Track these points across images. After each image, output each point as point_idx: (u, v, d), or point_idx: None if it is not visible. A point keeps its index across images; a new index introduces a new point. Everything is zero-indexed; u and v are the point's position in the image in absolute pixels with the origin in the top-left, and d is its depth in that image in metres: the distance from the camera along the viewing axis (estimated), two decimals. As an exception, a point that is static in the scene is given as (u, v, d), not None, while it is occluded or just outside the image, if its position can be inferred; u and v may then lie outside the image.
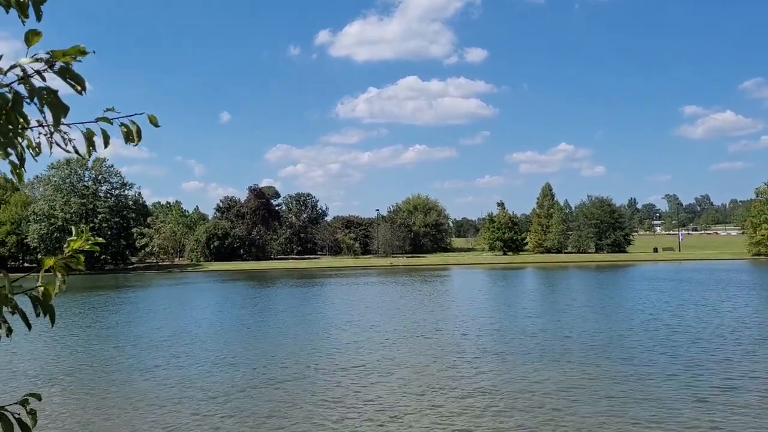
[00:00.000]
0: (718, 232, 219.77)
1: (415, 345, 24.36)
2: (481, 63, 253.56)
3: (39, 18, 1.94)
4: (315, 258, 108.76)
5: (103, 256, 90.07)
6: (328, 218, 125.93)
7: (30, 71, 1.82)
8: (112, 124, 1.98)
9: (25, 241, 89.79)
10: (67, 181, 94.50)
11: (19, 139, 1.98)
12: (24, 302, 1.95)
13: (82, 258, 2.02)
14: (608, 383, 17.28)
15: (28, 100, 1.85)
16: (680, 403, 15.20)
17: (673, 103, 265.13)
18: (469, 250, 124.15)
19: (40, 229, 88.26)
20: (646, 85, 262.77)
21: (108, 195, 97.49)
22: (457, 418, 14.53)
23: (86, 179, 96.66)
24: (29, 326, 2.05)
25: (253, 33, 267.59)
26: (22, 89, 1.83)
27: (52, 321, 2.01)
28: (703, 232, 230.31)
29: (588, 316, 31.89)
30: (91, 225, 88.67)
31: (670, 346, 22.70)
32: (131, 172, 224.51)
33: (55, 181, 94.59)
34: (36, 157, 2.04)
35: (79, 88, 1.91)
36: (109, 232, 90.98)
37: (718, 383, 17.01)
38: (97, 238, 2.06)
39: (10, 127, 1.89)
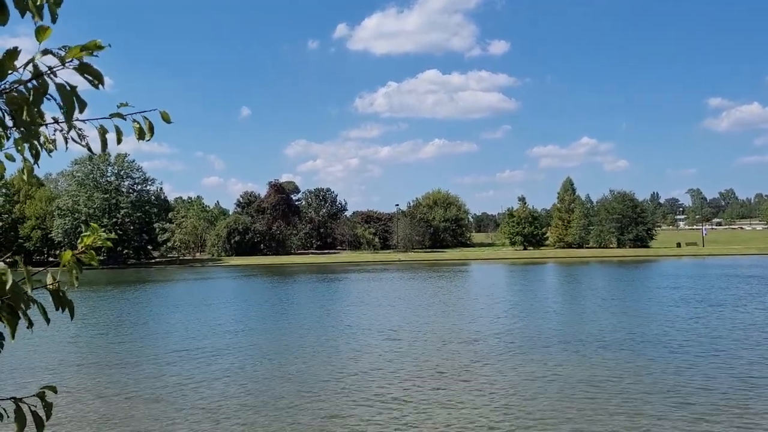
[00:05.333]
0: (743, 226, 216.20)
1: (456, 351, 24.33)
2: (503, 55, 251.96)
3: (54, 20, 1.93)
4: (334, 253, 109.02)
5: (125, 251, 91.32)
6: (348, 213, 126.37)
7: (45, 68, 1.82)
8: (125, 119, 1.99)
9: (49, 235, 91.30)
10: (90, 176, 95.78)
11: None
12: (42, 296, 1.97)
13: (95, 254, 2.03)
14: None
15: (48, 96, 1.85)
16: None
17: (698, 95, 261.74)
18: (489, 245, 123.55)
19: (65, 224, 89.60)
20: (670, 78, 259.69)
21: (130, 190, 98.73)
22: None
23: (109, 175, 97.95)
24: (48, 321, 2.08)
25: (272, 28, 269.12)
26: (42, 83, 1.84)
27: (72, 315, 2.03)
28: (727, 227, 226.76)
29: (620, 317, 31.57)
30: (114, 220, 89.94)
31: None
32: (153, 167, 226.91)
33: (79, 176, 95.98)
34: (50, 153, 2.05)
35: (96, 82, 1.91)
36: (131, 227, 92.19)
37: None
38: (110, 233, 2.08)
39: (28, 119, 1.89)
